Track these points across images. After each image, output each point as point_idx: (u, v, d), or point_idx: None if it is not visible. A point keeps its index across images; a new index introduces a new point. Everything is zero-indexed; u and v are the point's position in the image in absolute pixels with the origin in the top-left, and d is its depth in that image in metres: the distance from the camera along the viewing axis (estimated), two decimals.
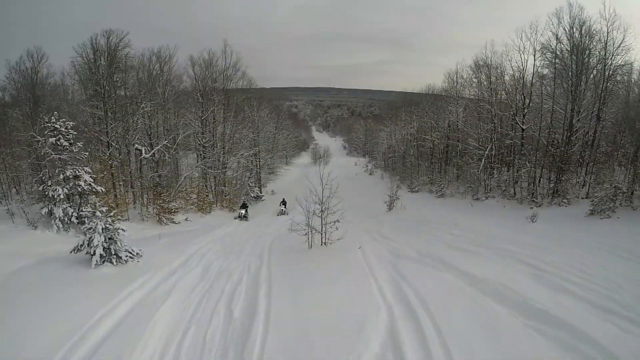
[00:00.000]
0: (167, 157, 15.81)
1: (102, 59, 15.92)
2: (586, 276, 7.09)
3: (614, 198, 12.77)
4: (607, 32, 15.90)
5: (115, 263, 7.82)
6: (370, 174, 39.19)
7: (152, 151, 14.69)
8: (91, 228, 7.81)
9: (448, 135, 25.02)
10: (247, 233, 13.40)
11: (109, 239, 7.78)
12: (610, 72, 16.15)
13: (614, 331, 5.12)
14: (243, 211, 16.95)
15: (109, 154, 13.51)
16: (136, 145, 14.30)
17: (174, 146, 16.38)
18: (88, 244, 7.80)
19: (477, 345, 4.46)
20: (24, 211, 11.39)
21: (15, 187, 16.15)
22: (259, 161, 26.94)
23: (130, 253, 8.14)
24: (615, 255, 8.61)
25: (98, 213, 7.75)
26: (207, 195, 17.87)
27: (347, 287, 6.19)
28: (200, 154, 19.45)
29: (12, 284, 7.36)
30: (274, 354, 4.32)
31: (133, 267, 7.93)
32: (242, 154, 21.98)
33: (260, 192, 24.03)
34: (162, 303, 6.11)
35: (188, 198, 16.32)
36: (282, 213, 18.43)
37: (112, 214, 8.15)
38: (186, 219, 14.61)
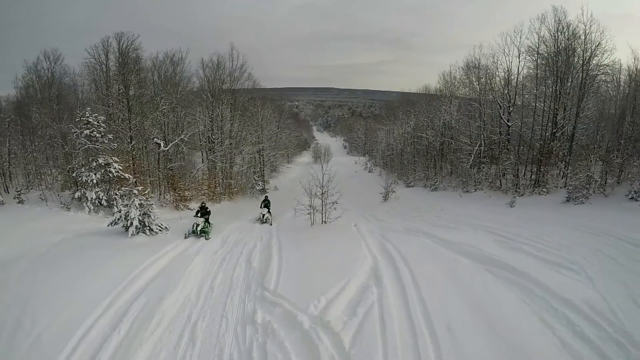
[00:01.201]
0: (184, 149, 17.29)
1: (116, 60, 17.35)
2: (544, 243, 8.45)
3: (587, 186, 14.12)
4: (586, 35, 17.34)
5: (148, 234, 9.29)
6: (369, 171, 40.53)
7: (170, 145, 16.18)
8: (128, 204, 9.25)
9: (443, 133, 26.36)
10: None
11: (144, 213, 9.23)
12: (587, 74, 17.51)
13: (553, 275, 6.52)
14: (200, 221, 10.49)
15: (131, 146, 15.00)
16: (155, 139, 15.80)
17: (186, 140, 17.80)
18: (125, 217, 9.25)
19: (440, 278, 5.90)
20: (58, 195, 12.83)
21: (37, 178, 17.66)
22: (263, 158, 28.38)
23: (160, 226, 9.61)
24: (577, 229, 9.94)
25: (135, 191, 9.20)
26: (216, 187, 19.33)
27: (342, 246, 7.66)
28: (209, 150, 20.83)
29: (61, 248, 8.80)
30: (286, 283, 5.79)
31: (163, 237, 9.39)
32: (247, 150, 23.40)
33: (264, 187, 25.45)
34: (193, 259, 7.57)
35: (200, 189, 17.79)
36: (263, 220, 12.63)
37: (146, 192, 9.58)
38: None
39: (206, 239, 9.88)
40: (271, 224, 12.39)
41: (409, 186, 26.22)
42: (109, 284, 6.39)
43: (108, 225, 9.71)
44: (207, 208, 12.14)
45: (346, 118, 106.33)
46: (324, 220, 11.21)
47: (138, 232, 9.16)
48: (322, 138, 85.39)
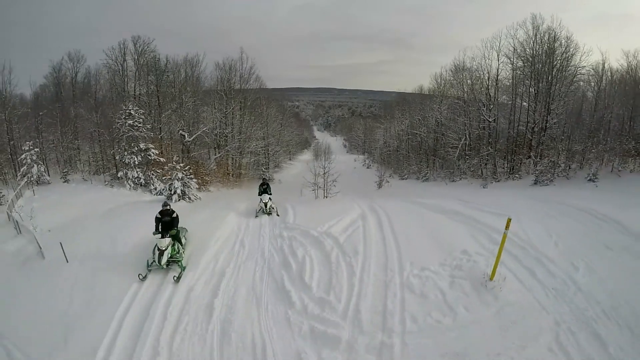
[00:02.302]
0: (206, 140, 19.78)
1: (135, 62, 19.74)
2: (497, 205, 10.77)
3: (552, 170, 16.53)
4: (555, 41, 19.79)
5: (187, 201, 11.71)
6: (367, 167, 42.95)
7: (194, 136, 18.68)
8: (171, 177, 11.69)
9: (435, 130, 28.77)
10: None
11: (184, 185, 11.67)
12: (561, 74, 19.92)
13: (493, 219, 8.80)
14: (164, 244, 6.60)
15: (161, 136, 17.46)
16: (180, 131, 18.26)
17: (208, 132, 20.27)
18: (169, 188, 11.68)
19: (408, 218, 8.36)
20: (104, 174, 15.26)
21: (69, 164, 19.99)
22: (268, 152, 30.86)
23: (195, 196, 12.05)
24: (530, 199, 12.21)
25: (178, 167, 11.65)
26: (229, 175, 21.82)
27: (340, 206, 10.11)
28: (218, 145, 23.10)
29: (119, 209, 11.11)
30: (300, 219, 8.31)
31: (198, 203, 11.82)
32: (255, 145, 25.87)
33: (270, 178, 27.86)
34: (226, 215, 9.89)
35: (216, 176, 20.23)
36: (266, 210, 9.83)
37: (187, 169, 12.04)
38: (217, 190, 18.55)
39: (175, 281, 6.03)
40: (278, 215, 9.74)
41: (403, 179, 28.59)
42: None
43: (154, 195, 12.16)
44: (172, 213, 7.20)
45: (346, 118, 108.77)
46: (325, 195, 13.66)
47: (180, 199, 11.60)
48: (323, 137, 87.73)
